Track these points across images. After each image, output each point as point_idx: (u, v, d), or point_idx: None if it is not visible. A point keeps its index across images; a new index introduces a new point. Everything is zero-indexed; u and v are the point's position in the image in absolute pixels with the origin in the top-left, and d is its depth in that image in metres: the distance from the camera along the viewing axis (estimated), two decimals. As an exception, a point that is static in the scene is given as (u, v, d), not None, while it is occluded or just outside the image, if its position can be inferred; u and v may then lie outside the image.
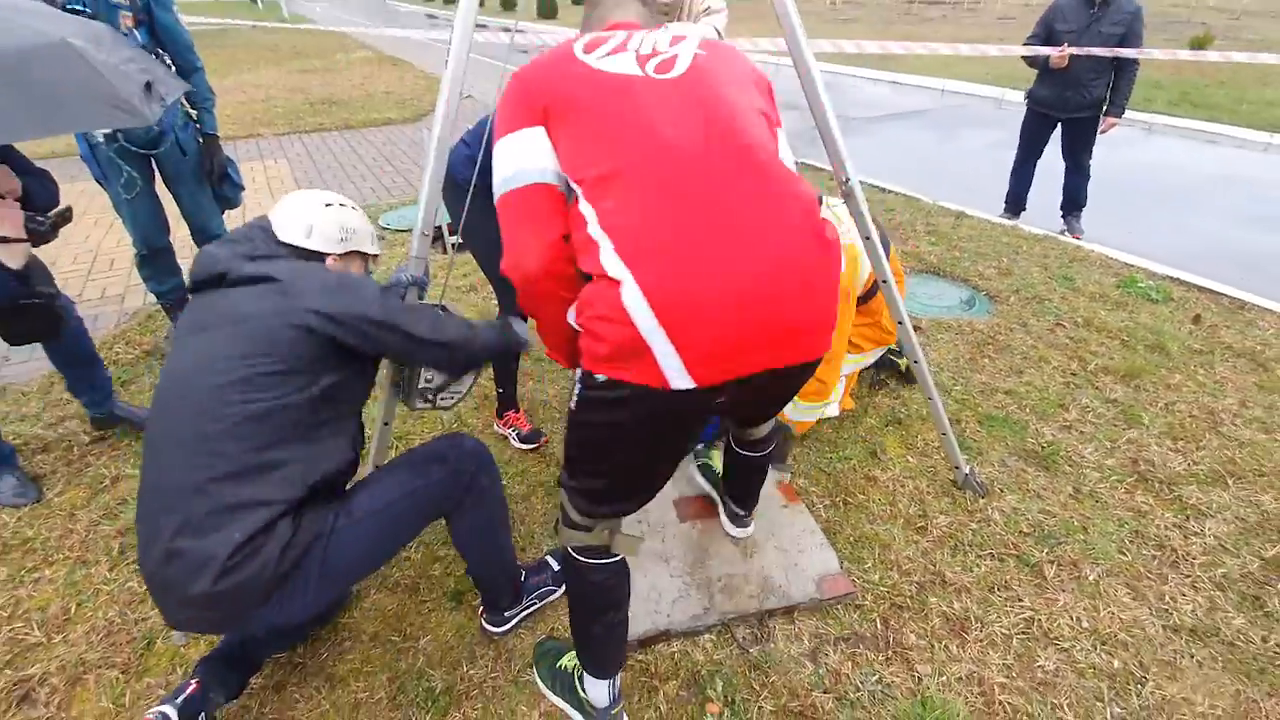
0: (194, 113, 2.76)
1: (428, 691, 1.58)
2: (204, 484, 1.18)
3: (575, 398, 1.13)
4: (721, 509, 1.98)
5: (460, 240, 1.98)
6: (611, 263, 1.00)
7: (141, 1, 2.51)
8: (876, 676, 1.60)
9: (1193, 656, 1.68)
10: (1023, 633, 1.73)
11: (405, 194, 5.25)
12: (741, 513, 1.92)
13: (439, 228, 2.25)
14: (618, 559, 1.33)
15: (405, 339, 1.36)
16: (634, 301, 0.97)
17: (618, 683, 1.46)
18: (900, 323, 1.94)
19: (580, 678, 1.47)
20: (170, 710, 1.31)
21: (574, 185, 1.09)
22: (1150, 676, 1.62)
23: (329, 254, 1.50)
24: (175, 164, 2.72)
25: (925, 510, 2.11)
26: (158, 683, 1.61)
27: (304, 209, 1.49)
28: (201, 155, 2.79)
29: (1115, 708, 1.56)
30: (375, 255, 1.61)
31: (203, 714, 1.36)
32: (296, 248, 1.46)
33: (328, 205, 1.51)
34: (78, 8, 2.33)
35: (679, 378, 0.99)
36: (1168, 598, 1.83)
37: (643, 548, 1.88)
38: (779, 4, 1.59)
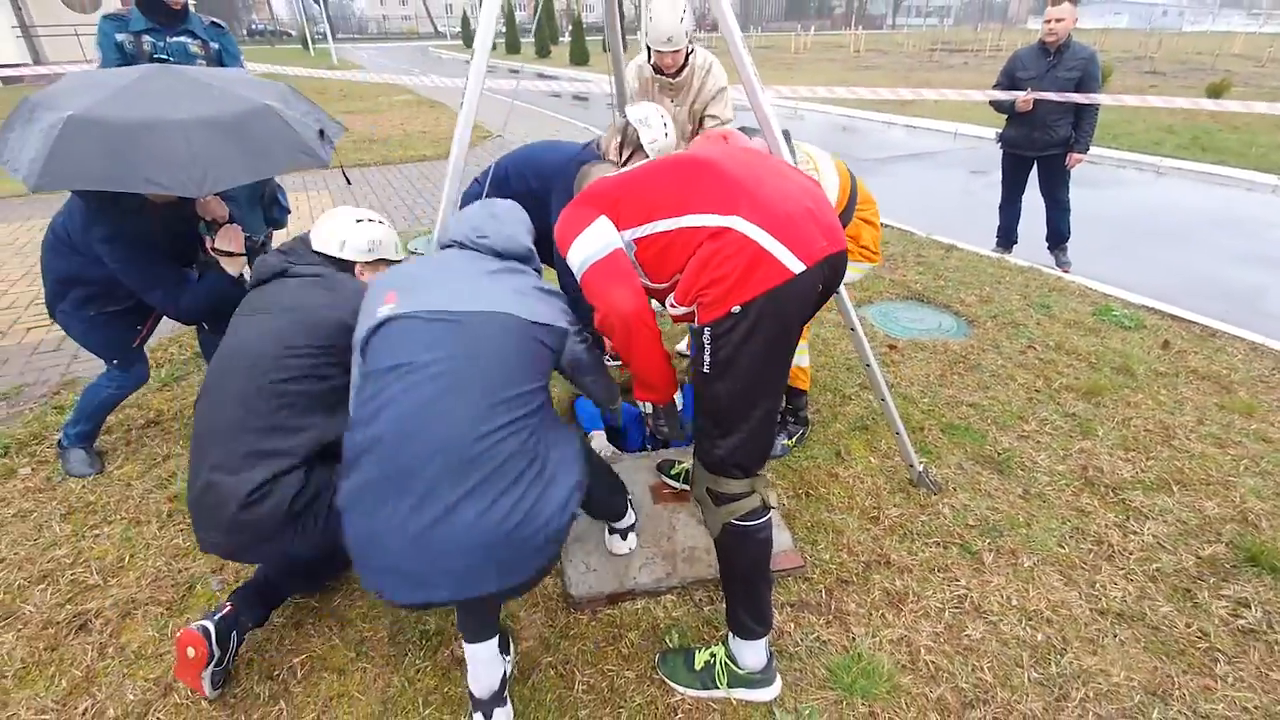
0: None
1: (422, 633, 1.82)
2: (240, 432, 1.49)
3: (708, 352, 1.38)
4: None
5: None
6: (716, 220, 1.35)
7: (215, 54, 2.95)
8: (815, 635, 1.80)
9: (1116, 635, 1.84)
10: (955, 607, 1.91)
11: (435, 223, 5.68)
12: None
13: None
14: (771, 509, 1.55)
15: None
16: (747, 228, 1.32)
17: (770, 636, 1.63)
18: (853, 329, 2.18)
19: (727, 660, 1.61)
20: (209, 624, 1.58)
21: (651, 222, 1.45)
22: (1071, 649, 1.79)
23: (358, 262, 1.83)
24: (236, 189, 3.12)
25: (880, 503, 2.31)
26: (196, 618, 1.88)
27: (339, 225, 1.82)
28: (257, 183, 3.20)
29: (1033, 672, 1.73)
30: (399, 260, 1.93)
31: (234, 632, 1.63)
32: (330, 257, 1.79)
33: (358, 221, 1.85)
34: (164, 58, 2.77)
35: (795, 263, 1.32)
36: (1099, 585, 1.99)
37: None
38: (737, 57, 1.90)
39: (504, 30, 32.19)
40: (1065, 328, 3.56)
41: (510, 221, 1.62)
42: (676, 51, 2.82)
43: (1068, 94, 4.05)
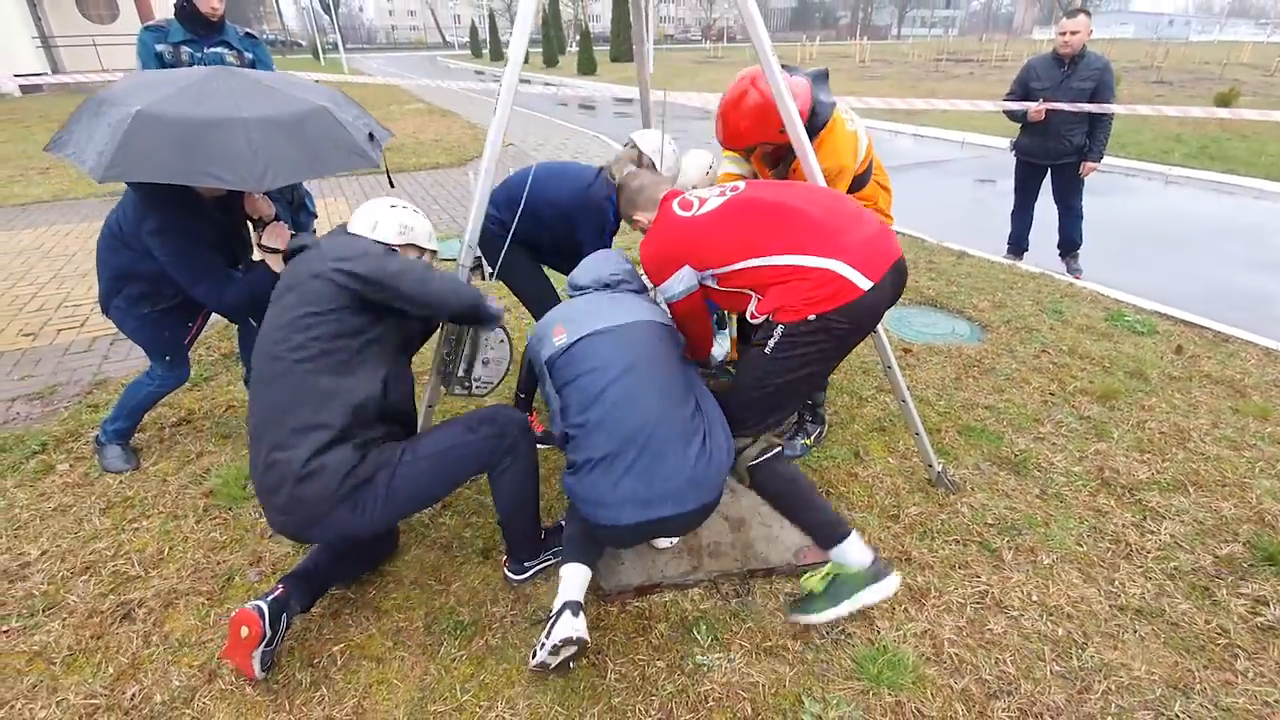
0: None
1: (457, 623, 1.87)
2: (283, 413, 1.58)
3: (775, 339, 1.73)
4: None
5: (494, 273, 2.40)
6: (814, 261, 1.70)
7: (249, 64, 3.04)
8: (840, 628, 1.84)
9: (1136, 631, 1.87)
10: (976, 602, 1.95)
11: (449, 229, 5.77)
12: None
13: (478, 258, 2.62)
14: (777, 448, 1.90)
15: (395, 294, 1.72)
16: (836, 266, 1.68)
17: (858, 533, 1.81)
18: (874, 333, 2.23)
19: (839, 570, 1.78)
20: (263, 605, 1.64)
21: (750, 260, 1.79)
22: (1092, 644, 1.82)
23: (389, 244, 1.88)
24: (273, 194, 3.21)
25: (899, 502, 2.35)
26: (236, 607, 1.94)
27: (373, 209, 1.91)
28: (290, 186, 3.28)
29: (1055, 665, 1.76)
30: (433, 251, 2.00)
31: (285, 614, 1.68)
32: (363, 238, 1.86)
33: (392, 207, 1.94)
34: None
35: (863, 281, 1.67)
36: (1117, 583, 2.03)
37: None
38: (766, 65, 1.97)
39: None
40: (1078, 332, 3.60)
41: (615, 261, 2.13)
42: None
43: (1080, 104, 4.10)
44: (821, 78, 2.26)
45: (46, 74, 17.58)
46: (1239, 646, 1.80)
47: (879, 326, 2.22)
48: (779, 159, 2.36)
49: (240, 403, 3.01)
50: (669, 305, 1.96)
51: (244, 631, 1.58)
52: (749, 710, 1.63)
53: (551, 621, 1.66)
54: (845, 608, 1.75)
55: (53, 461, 2.63)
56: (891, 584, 1.76)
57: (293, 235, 2.33)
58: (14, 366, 3.42)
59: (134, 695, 1.69)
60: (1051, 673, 1.74)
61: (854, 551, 1.76)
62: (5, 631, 1.88)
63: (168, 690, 1.70)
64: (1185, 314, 3.83)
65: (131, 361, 3.41)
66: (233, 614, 1.64)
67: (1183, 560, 2.11)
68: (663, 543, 2.06)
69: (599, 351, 1.77)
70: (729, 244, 1.81)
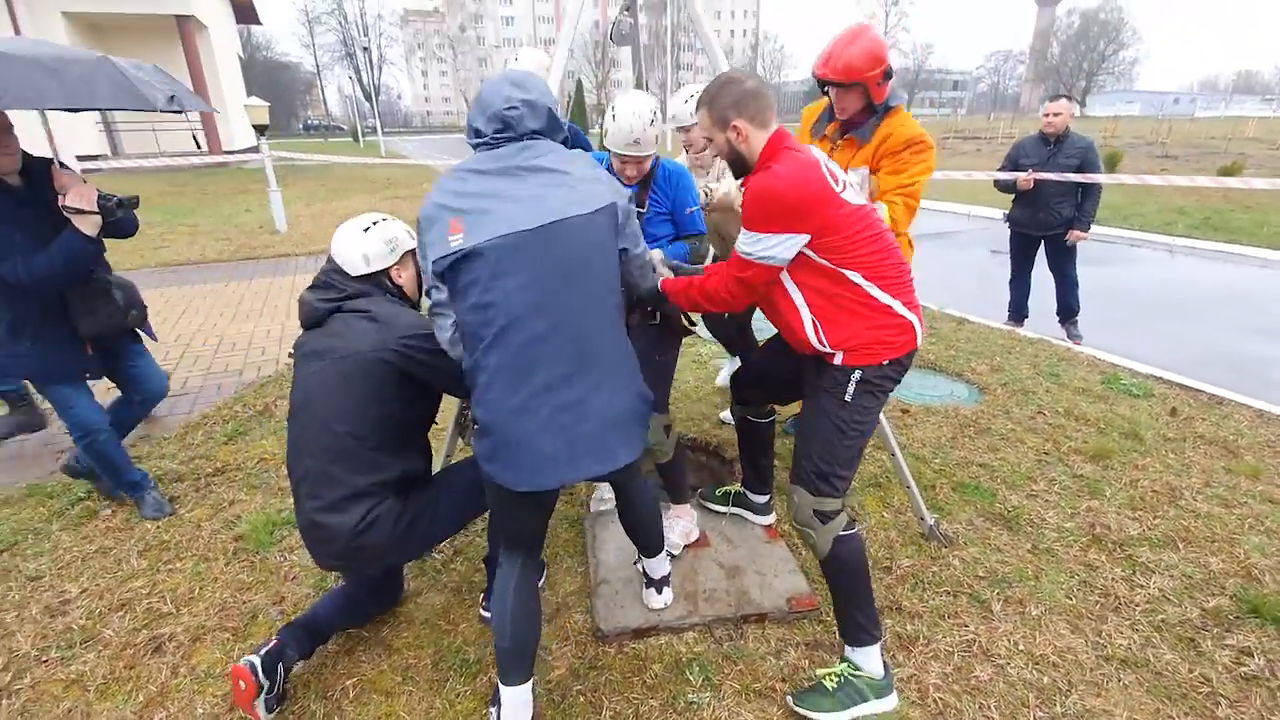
0: None
1: (463, 661, 1.98)
2: (331, 482, 1.72)
3: (853, 386, 1.72)
4: (750, 513, 2.58)
5: None
6: (901, 310, 1.72)
7: None
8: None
9: (1120, 680, 1.91)
10: (964, 651, 2.01)
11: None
12: (766, 494, 2.53)
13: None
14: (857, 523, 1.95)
15: (435, 373, 1.82)
16: (903, 311, 1.72)
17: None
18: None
19: (853, 676, 1.78)
20: (255, 660, 1.75)
21: (844, 269, 1.67)
22: (1076, 691, 1.87)
23: (388, 267, 1.93)
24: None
25: (892, 555, 2.43)
26: (259, 643, 2.07)
27: (353, 243, 1.89)
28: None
29: (1039, 711, 1.81)
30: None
31: (280, 664, 1.78)
32: (365, 276, 1.89)
33: (366, 230, 1.91)
34: None
35: (920, 333, 1.76)
36: (1104, 634, 2.08)
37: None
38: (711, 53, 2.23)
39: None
40: (1074, 395, 3.70)
41: (537, 87, 1.59)
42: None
43: (1065, 174, 4.38)
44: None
45: (106, 155, 19.08)
46: (1221, 695, 1.83)
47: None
48: (852, 125, 2.41)
49: (272, 455, 3.21)
50: (740, 258, 1.68)
51: (241, 685, 1.70)
52: (737, 747, 1.69)
53: None
54: (849, 715, 1.76)
55: (97, 508, 2.83)
56: (892, 702, 1.80)
57: (104, 197, 2.35)
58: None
59: (161, 722, 1.81)
60: (1034, 718, 1.79)
61: (876, 660, 1.80)
62: (45, 661, 2.03)
63: (192, 718, 1.82)
64: (1181, 378, 3.92)
65: (173, 417, 3.66)
66: (229, 669, 1.77)
67: (1170, 613, 2.15)
68: (656, 601, 2.12)
69: (497, 270, 1.45)
70: (856, 248, 1.64)
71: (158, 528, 2.68)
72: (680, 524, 2.41)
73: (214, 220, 10.52)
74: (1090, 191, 4.42)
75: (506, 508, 1.65)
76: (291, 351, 1.91)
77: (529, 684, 1.69)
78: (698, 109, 1.75)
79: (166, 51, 20.01)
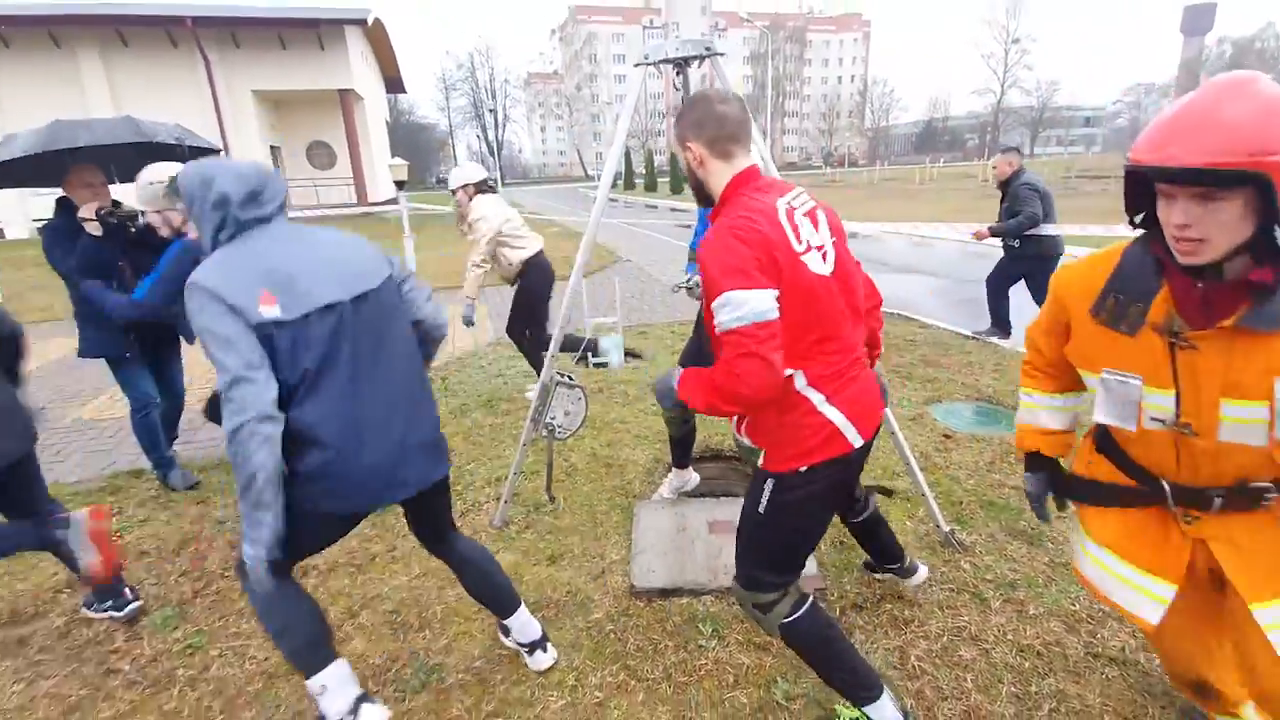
0: None
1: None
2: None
3: (766, 497, 1.58)
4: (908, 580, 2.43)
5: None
6: (807, 390, 1.51)
7: None
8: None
9: (1103, 674, 2.06)
10: (953, 635, 2.24)
11: (589, 326, 6.82)
12: (897, 562, 2.39)
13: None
14: (811, 598, 1.71)
15: None
16: (827, 409, 1.52)
17: (891, 694, 1.73)
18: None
19: None
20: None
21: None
22: (1054, 676, 2.05)
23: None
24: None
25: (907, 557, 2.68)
26: (374, 574, 2.68)
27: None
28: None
29: (1013, 688, 2.01)
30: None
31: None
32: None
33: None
34: None
35: (856, 438, 1.55)
36: (1099, 635, 2.22)
37: (678, 544, 2.69)
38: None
39: (642, 172, 38.32)
40: (1133, 431, 3.70)
41: (276, 175, 1.72)
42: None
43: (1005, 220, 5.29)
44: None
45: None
46: (1194, 690, 1.95)
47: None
48: (1229, 291, 1.18)
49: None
50: (728, 333, 1.37)
51: None
52: (731, 681, 2.05)
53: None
54: None
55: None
56: None
57: (101, 208, 3.02)
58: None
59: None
60: (1007, 694, 2.00)
61: (890, 710, 1.71)
62: (225, 576, 2.74)
63: (326, 621, 2.43)
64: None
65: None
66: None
67: (1180, 628, 2.25)
68: (544, 661, 2.11)
69: (323, 344, 1.56)
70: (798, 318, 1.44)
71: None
72: (673, 479, 3.00)
73: (358, 261, 12.17)
74: (1016, 213, 5.14)
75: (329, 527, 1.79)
76: None
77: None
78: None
79: (329, 119, 23.37)
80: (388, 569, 2.73)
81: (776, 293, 1.38)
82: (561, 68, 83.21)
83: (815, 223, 1.53)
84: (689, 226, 17.48)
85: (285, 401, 1.55)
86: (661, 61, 2.50)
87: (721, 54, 2.54)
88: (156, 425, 3.43)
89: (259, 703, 2.06)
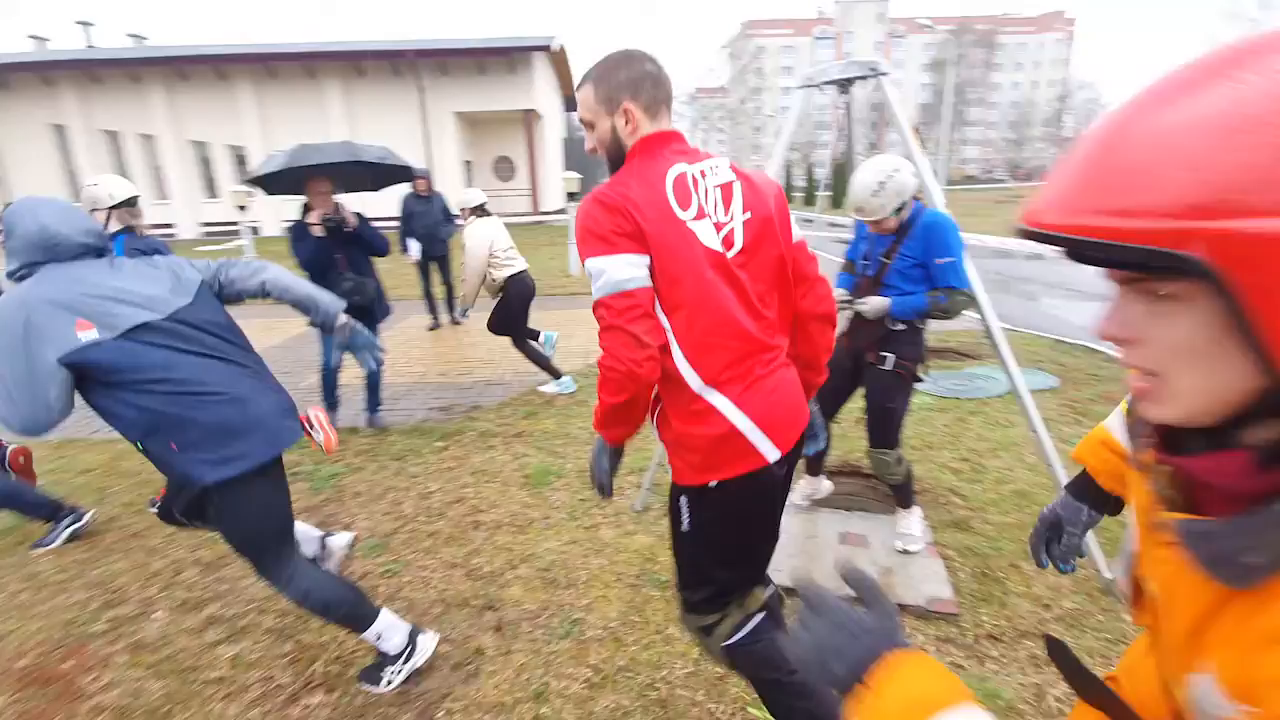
0: None
1: (657, 580, 2.70)
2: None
3: (685, 515, 1.45)
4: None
5: None
6: (705, 391, 1.35)
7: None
8: (953, 660, 2.19)
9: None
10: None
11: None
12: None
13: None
14: (758, 617, 1.53)
15: None
16: (731, 413, 1.34)
17: None
18: (1034, 432, 2.58)
19: None
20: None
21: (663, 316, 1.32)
22: None
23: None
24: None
25: (1057, 597, 2.52)
26: (532, 535, 3.06)
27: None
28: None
29: None
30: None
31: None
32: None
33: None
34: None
35: (771, 451, 1.38)
36: None
37: (807, 549, 2.77)
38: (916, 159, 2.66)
39: (802, 185, 37.48)
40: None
41: (84, 216, 1.82)
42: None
43: None
44: None
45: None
46: None
47: (1036, 425, 2.57)
48: None
49: (553, 430, 4.39)
50: (597, 305, 1.29)
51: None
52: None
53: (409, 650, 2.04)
54: None
55: (447, 445, 4.24)
56: None
57: (325, 217, 3.90)
58: (433, 391, 5.43)
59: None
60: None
61: None
62: (416, 518, 3.27)
63: (492, 569, 2.84)
64: None
65: (493, 397, 5.16)
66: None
67: None
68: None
69: (150, 359, 1.69)
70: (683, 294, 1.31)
71: (481, 460, 3.95)
72: (913, 518, 2.87)
73: (530, 264, 13.41)
74: None
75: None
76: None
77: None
78: (579, 87, 1.41)
79: (513, 136, 25.71)
80: (543, 534, 3.10)
81: (644, 259, 1.27)
82: (728, 82, 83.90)
83: (727, 198, 1.36)
84: (846, 241, 16.92)
85: None
86: (825, 83, 2.61)
87: (885, 73, 2.59)
88: (333, 382, 4.38)
89: (439, 624, 2.49)
